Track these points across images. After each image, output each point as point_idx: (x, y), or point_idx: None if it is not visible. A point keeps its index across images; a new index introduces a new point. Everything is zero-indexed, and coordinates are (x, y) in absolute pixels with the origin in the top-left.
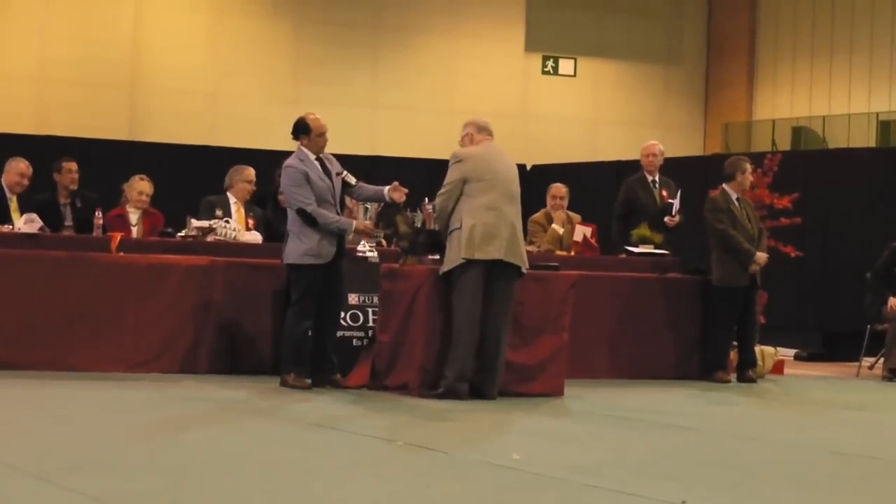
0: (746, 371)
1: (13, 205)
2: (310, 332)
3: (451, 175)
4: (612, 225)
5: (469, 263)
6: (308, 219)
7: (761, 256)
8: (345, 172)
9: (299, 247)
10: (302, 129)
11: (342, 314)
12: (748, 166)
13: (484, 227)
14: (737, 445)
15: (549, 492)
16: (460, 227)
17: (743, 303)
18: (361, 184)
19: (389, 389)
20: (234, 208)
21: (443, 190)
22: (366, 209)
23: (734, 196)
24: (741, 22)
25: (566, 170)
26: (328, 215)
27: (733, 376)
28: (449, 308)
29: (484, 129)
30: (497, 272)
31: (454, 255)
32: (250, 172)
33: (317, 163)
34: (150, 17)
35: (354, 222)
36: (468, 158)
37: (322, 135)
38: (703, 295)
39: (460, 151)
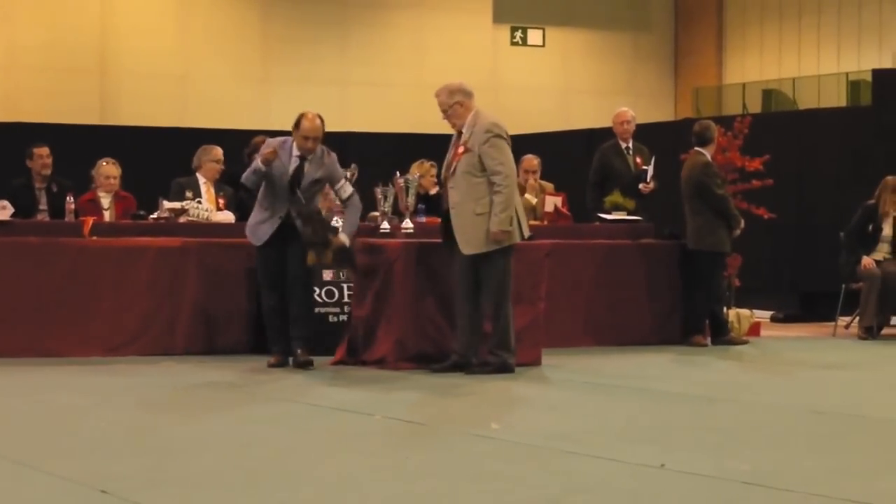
0: (721, 334)
1: None
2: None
3: (506, 153)
4: (586, 193)
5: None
6: (241, 187)
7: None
8: (342, 182)
9: (250, 219)
10: (295, 125)
11: (315, 290)
12: (718, 129)
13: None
14: (715, 408)
15: (528, 460)
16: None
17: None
18: (348, 206)
19: (367, 364)
20: (203, 189)
21: (508, 171)
22: (384, 198)
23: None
24: None
25: (538, 140)
26: (247, 174)
27: (709, 340)
28: (427, 282)
29: (471, 96)
30: None
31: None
32: (218, 152)
33: (295, 158)
34: (118, 1)
35: (262, 156)
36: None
37: (307, 139)
38: (678, 260)
39: (501, 125)
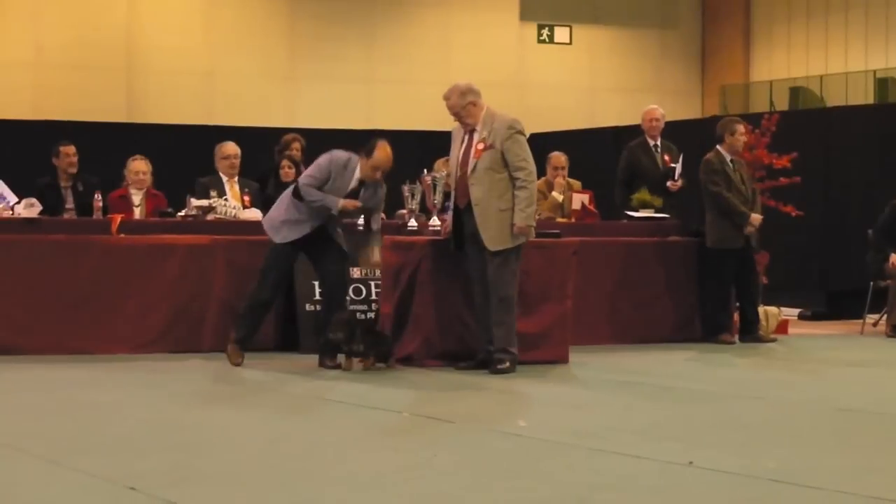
0: (751, 332)
1: None
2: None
3: (527, 149)
4: (615, 190)
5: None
6: (297, 194)
7: (756, 218)
8: (379, 214)
9: (272, 213)
10: (366, 150)
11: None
12: (739, 127)
13: None
14: (742, 406)
15: (556, 457)
16: None
17: (741, 264)
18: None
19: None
20: (227, 186)
21: (531, 168)
22: (412, 196)
23: (728, 157)
24: None
25: (564, 137)
26: (314, 192)
27: (737, 337)
28: (454, 280)
29: (480, 94)
30: None
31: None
32: (227, 148)
33: (356, 183)
34: None
35: (341, 201)
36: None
37: (377, 169)
38: (700, 257)
39: (520, 122)
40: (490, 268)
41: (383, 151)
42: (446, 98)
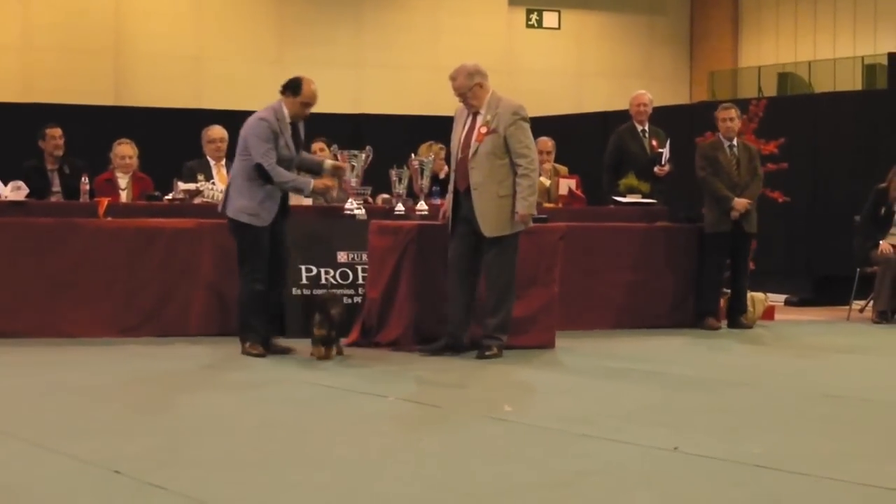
0: (737, 317)
1: None
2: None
3: (530, 137)
4: (602, 176)
5: None
6: (264, 175)
7: (739, 202)
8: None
9: (238, 201)
10: (292, 89)
11: (329, 272)
12: (726, 112)
13: None
14: (728, 391)
15: (541, 442)
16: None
17: (733, 249)
18: (303, 154)
19: (380, 346)
20: (214, 170)
21: (534, 156)
22: (352, 167)
23: (726, 142)
24: None
25: (552, 122)
26: (284, 173)
27: (724, 323)
28: (442, 264)
29: (487, 77)
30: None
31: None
32: (213, 132)
33: (288, 127)
34: None
35: (312, 182)
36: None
37: (308, 105)
38: (693, 243)
39: (525, 108)
40: (488, 255)
41: (310, 85)
42: (453, 78)
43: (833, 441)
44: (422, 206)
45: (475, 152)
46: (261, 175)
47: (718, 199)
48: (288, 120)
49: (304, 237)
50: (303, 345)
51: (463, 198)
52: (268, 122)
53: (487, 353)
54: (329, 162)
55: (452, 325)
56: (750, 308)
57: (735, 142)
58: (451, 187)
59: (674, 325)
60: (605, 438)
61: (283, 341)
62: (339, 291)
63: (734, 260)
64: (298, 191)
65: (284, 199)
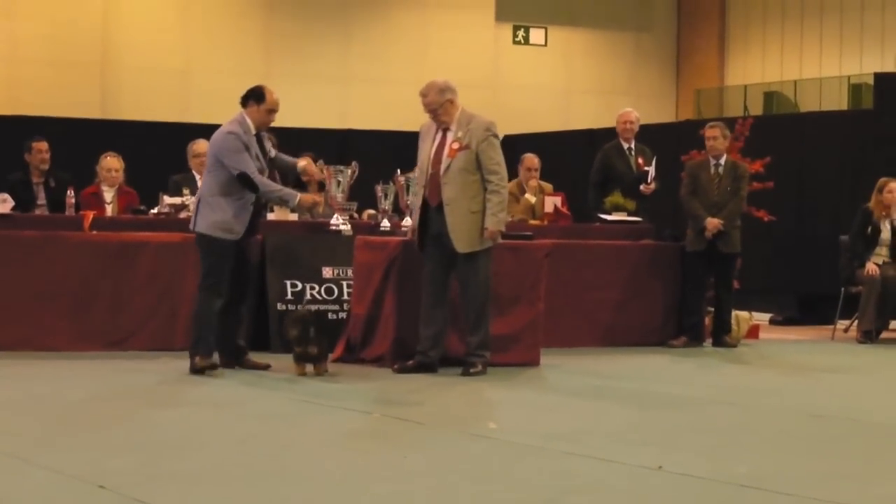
0: (721, 336)
1: None
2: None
3: (500, 153)
4: (588, 193)
5: None
6: (248, 184)
7: (710, 222)
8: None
9: (210, 216)
10: (255, 98)
11: (315, 287)
12: (710, 131)
13: None
14: (713, 410)
15: (525, 459)
16: None
17: (714, 268)
18: (279, 154)
19: (365, 362)
20: (199, 184)
21: (504, 172)
22: (338, 182)
23: (712, 161)
24: None
25: (539, 139)
26: (270, 183)
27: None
28: (417, 279)
29: (457, 93)
30: None
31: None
32: (199, 146)
33: (254, 138)
34: None
35: (299, 195)
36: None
37: (273, 112)
38: (678, 261)
39: (496, 126)
40: (461, 272)
41: (271, 93)
42: (423, 94)
43: (818, 461)
44: (407, 222)
45: (447, 168)
46: (245, 185)
47: (693, 219)
48: (253, 131)
49: (288, 252)
50: (286, 360)
51: (434, 213)
52: (236, 134)
53: (472, 370)
54: (302, 163)
55: (424, 344)
56: (734, 327)
57: (723, 160)
58: (417, 202)
59: (659, 342)
60: (590, 457)
61: (259, 357)
62: (324, 307)
63: (715, 279)
64: (284, 202)
65: (255, 216)
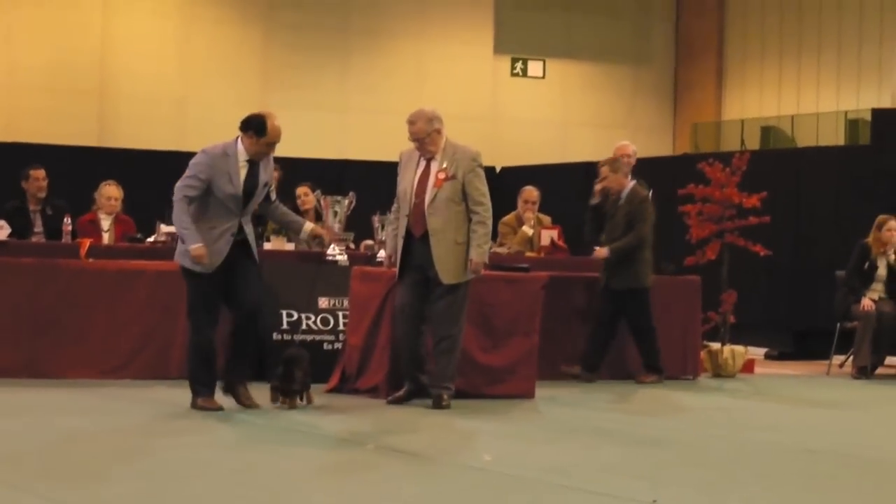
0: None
1: None
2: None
3: (485, 184)
4: (584, 226)
5: None
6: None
7: (595, 251)
8: (272, 186)
9: (182, 246)
10: (256, 129)
11: (311, 318)
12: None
13: None
14: (708, 444)
15: (520, 492)
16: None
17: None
18: (279, 205)
19: (360, 392)
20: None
21: (489, 203)
22: (335, 212)
23: (612, 198)
24: (709, 22)
25: (536, 172)
26: (183, 215)
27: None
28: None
29: (444, 124)
30: None
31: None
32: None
33: (245, 165)
34: (119, 23)
35: (195, 247)
36: None
37: (272, 145)
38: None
39: (481, 156)
40: (442, 302)
41: (273, 121)
42: (411, 122)
43: (812, 496)
44: (382, 254)
45: (434, 198)
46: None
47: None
48: (245, 157)
49: (285, 282)
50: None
51: (418, 243)
52: (208, 155)
53: (443, 402)
54: (308, 228)
55: (409, 372)
56: (730, 361)
57: (624, 194)
58: (399, 232)
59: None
60: (584, 490)
61: (252, 395)
62: (319, 337)
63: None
64: (182, 242)
65: (244, 241)
